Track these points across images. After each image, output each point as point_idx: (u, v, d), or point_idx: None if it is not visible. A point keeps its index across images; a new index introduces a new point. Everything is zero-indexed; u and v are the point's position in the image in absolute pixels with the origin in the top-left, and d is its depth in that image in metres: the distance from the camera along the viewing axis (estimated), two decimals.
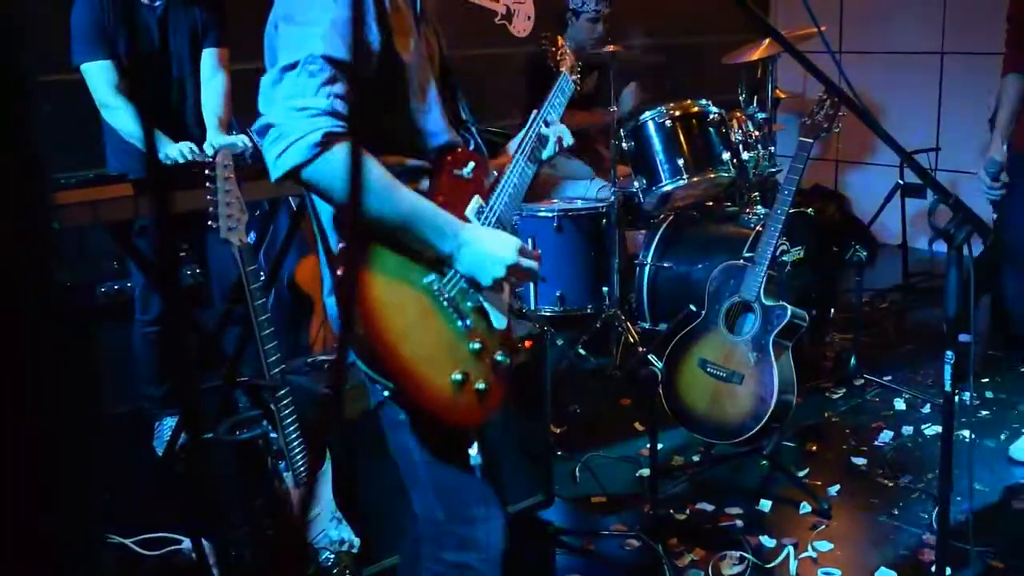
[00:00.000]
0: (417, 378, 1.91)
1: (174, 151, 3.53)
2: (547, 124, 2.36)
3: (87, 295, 4.13)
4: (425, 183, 2.06)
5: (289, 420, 2.73)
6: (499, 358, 2.04)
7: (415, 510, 2.20)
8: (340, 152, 1.80)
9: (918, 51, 7.02)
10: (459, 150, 2.12)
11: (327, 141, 1.78)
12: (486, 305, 2.05)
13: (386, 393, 1.94)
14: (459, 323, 1.98)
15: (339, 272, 1.99)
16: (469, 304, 2.02)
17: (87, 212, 3.20)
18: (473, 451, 2.12)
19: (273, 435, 2.77)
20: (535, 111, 2.39)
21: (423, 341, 1.94)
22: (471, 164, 2.12)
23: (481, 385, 1.98)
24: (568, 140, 2.42)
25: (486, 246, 1.99)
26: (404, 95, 2.02)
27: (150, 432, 4.11)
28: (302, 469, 2.77)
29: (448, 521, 2.14)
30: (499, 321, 2.07)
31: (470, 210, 2.09)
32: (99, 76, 3.65)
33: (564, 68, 2.63)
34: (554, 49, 2.64)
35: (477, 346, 1.99)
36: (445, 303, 1.97)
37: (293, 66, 1.83)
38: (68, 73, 3.71)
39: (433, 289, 1.96)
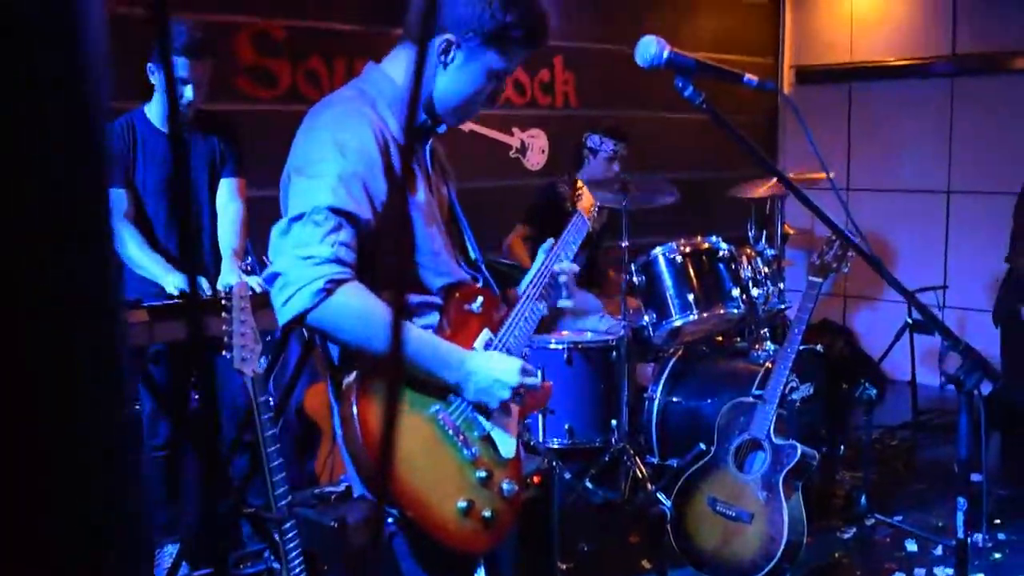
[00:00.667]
0: (423, 505, 1.94)
1: (171, 284, 3.56)
2: (555, 275, 2.38)
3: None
4: (434, 317, 2.10)
5: (294, 554, 2.70)
6: (506, 486, 2.05)
7: None
8: (343, 297, 1.86)
9: (925, 189, 7.11)
10: (468, 286, 2.16)
11: (331, 288, 1.85)
12: (493, 434, 2.07)
13: (390, 520, 1.95)
14: (465, 451, 2.00)
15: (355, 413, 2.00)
16: (475, 433, 2.05)
17: None
18: None
19: (276, 566, 2.75)
20: (548, 249, 2.43)
21: (429, 469, 1.96)
22: (480, 299, 2.16)
23: (487, 513, 1.99)
24: (575, 271, 2.44)
25: (490, 371, 2.02)
26: (411, 239, 2.07)
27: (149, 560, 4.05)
28: None
29: None
30: (507, 450, 2.09)
31: (479, 342, 2.13)
32: (118, 203, 3.71)
33: (580, 207, 2.67)
34: (573, 190, 2.68)
35: (483, 474, 2.01)
36: (451, 432, 2.00)
37: (300, 217, 1.91)
38: None
39: (439, 418, 1.99)
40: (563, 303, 2.43)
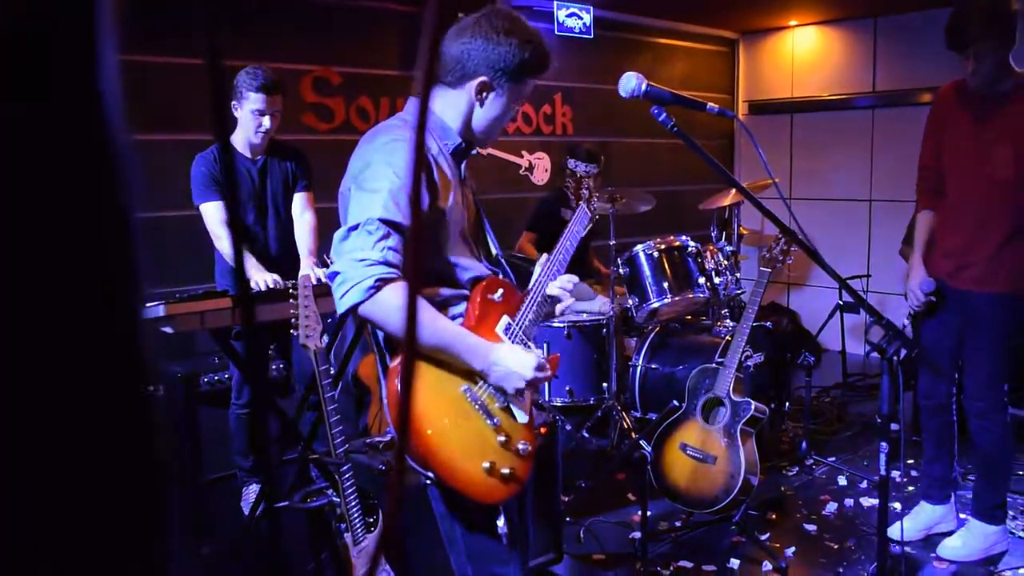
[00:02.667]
0: (454, 468, 1.91)
1: (260, 280, 3.56)
2: (549, 300, 2.30)
3: (194, 384, 4.11)
4: (460, 307, 2.07)
5: (350, 491, 2.69)
6: (521, 447, 2.02)
7: (452, 567, 2.16)
8: (389, 294, 1.84)
9: (852, 198, 7.06)
10: (490, 279, 2.13)
11: (379, 285, 1.83)
12: (511, 406, 2.03)
13: (428, 481, 1.94)
14: (488, 422, 1.97)
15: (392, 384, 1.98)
16: (497, 405, 2.01)
17: (196, 320, 3.21)
18: (500, 522, 2.08)
19: (336, 500, 2.73)
20: (544, 263, 2.37)
21: (459, 439, 1.93)
22: (500, 290, 2.12)
23: (506, 471, 1.96)
24: (570, 287, 2.34)
25: (511, 365, 1.98)
26: (444, 240, 2.05)
27: (239, 495, 4.06)
28: (360, 530, 2.71)
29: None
30: (522, 417, 2.06)
31: (500, 327, 2.09)
32: (213, 213, 3.71)
33: (583, 201, 2.63)
34: (578, 187, 2.64)
35: (503, 439, 1.98)
36: (477, 406, 1.97)
37: (356, 227, 1.89)
38: (187, 210, 3.77)
39: (467, 396, 1.96)
40: (561, 309, 2.36)
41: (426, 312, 1.90)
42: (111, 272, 0.49)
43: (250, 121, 3.70)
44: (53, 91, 0.45)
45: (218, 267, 3.88)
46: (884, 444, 2.33)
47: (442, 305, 2.04)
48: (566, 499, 4.02)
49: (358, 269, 1.84)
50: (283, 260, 3.84)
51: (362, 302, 1.83)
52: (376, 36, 5.14)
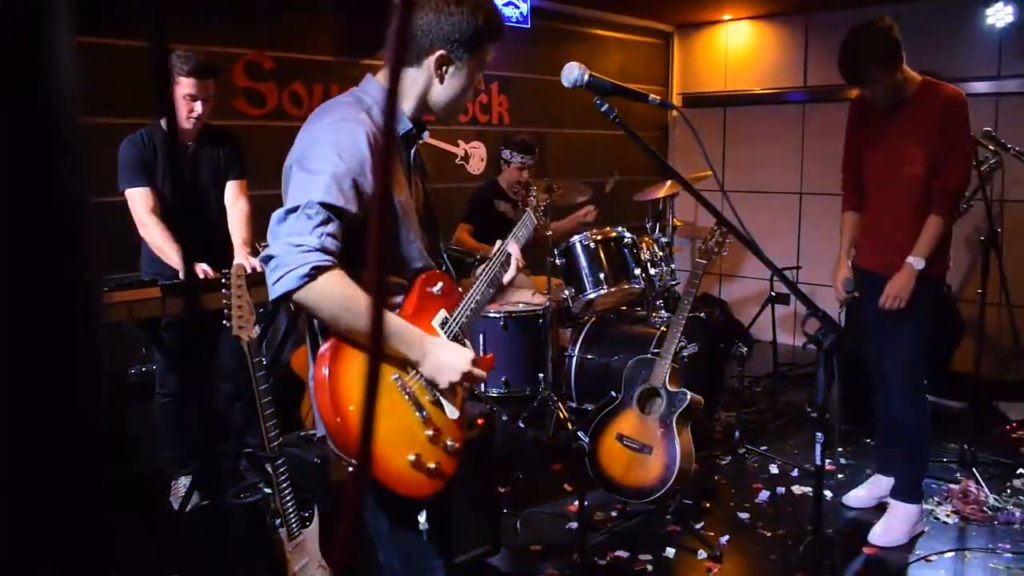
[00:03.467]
0: (379, 458, 1.85)
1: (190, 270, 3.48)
2: (509, 256, 2.32)
3: (121, 376, 4.00)
4: (399, 298, 2.03)
5: (285, 485, 2.63)
6: (449, 443, 1.99)
7: (380, 561, 2.13)
8: (324, 282, 1.79)
9: (783, 191, 7.18)
10: (431, 272, 2.09)
11: (314, 273, 1.77)
12: (442, 400, 2.00)
13: (351, 469, 1.88)
14: (417, 414, 1.94)
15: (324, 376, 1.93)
16: (427, 398, 1.98)
17: (123, 310, 3.12)
18: (422, 518, 2.05)
19: (270, 493, 2.67)
20: (500, 242, 2.36)
21: (387, 429, 1.89)
22: (440, 283, 2.09)
23: (432, 465, 1.93)
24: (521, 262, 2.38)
25: (445, 357, 1.96)
26: (396, 228, 1.99)
27: (166, 489, 3.95)
28: (295, 525, 2.66)
29: (403, 571, 2.09)
30: (452, 413, 2.03)
31: (436, 320, 2.06)
32: (139, 199, 3.60)
33: (530, 207, 2.61)
34: (526, 192, 2.62)
35: (431, 433, 1.95)
36: (407, 397, 1.93)
37: (295, 209, 1.83)
38: (109, 195, 3.65)
39: (398, 385, 1.92)
40: (510, 274, 2.37)
41: (360, 300, 1.83)
42: (64, 261, 0.46)
43: (181, 106, 3.60)
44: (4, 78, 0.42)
45: (144, 255, 3.76)
46: (820, 435, 2.36)
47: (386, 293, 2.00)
48: (503, 490, 4.01)
49: (294, 255, 1.77)
50: (213, 249, 3.73)
51: (296, 289, 1.77)
52: (310, 21, 5.04)
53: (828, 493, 4.06)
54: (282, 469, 2.62)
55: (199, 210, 3.78)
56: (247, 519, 2.79)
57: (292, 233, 1.80)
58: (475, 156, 6.14)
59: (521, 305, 4.80)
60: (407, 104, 2.05)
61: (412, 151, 2.11)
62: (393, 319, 1.92)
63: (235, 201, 3.84)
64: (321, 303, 1.80)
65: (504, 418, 4.56)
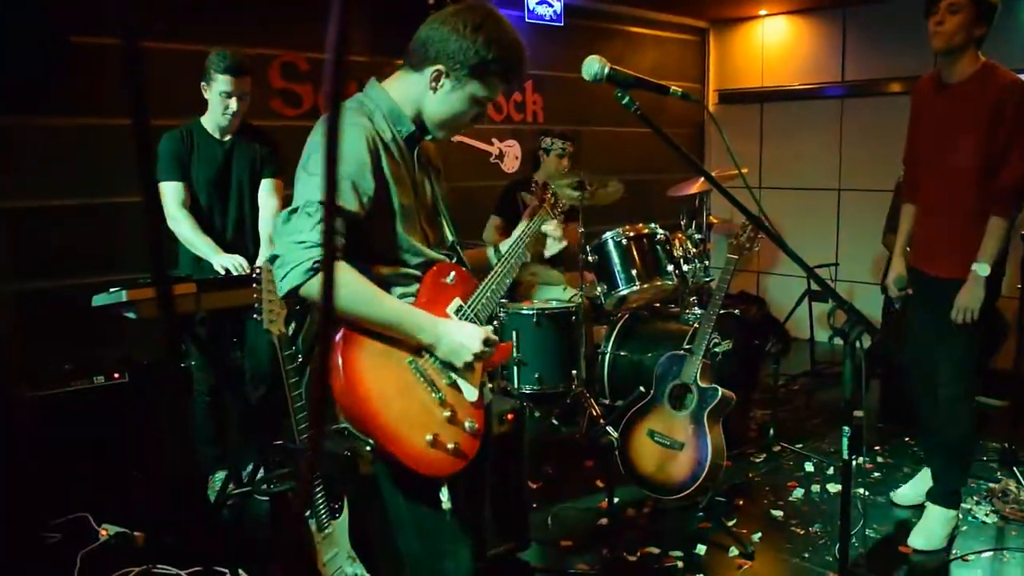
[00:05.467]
0: (395, 437, 1.90)
1: (226, 262, 3.55)
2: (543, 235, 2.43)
3: (159, 372, 4.06)
4: (413, 287, 2.08)
5: (314, 476, 2.66)
6: (467, 424, 2.03)
7: (399, 547, 2.15)
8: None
9: (821, 187, 7.10)
10: (442, 264, 2.13)
11: (318, 267, 1.83)
12: (459, 382, 2.04)
13: (368, 448, 1.93)
14: (434, 394, 1.99)
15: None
16: (444, 381, 2.03)
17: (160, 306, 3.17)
18: (444, 496, 2.06)
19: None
20: (516, 234, 2.41)
21: (402, 408, 1.93)
22: (453, 274, 2.14)
23: (451, 445, 1.97)
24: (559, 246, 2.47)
25: (458, 338, 2.00)
26: (391, 228, 2.04)
27: (205, 482, 4.03)
28: (324, 516, 2.69)
29: (424, 555, 2.11)
30: (471, 394, 2.07)
31: (450, 308, 2.11)
32: (171, 193, 3.68)
33: (547, 207, 2.63)
34: (543, 192, 2.63)
35: (448, 414, 2.00)
36: (423, 379, 1.98)
37: (296, 210, 1.90)
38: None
39: (412, 368, 1.97)
40: (552, 251, 2.46)
41: (368, 290, 1.92)
42: None
43: (218, 103, 3.70)
44: None
45: (181, 250, 3.84)
46: (847, 428, 2.34)
47: (394, 284, 2.05)
48: (534, 486, 4.02)
49: (297, 251, 1.85)
50: (241, 245, 3.81)
51: (302, 284, 1.84)
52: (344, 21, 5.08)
53: (863, 491, 4.01)
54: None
55: (228, 203, 3.85)
56: (276, 509, 2.83)
57: (295, 232, 1.87)
58: (509, 155, 6.16)
59: (554, 302, 4.80)
60: (409, 108, 2.09)
61: (415, 151, 2.14)
62: (400, 307, 1.98)
63: (267, 199, 3.90)
64: None
65: (537, 414, 4.57)
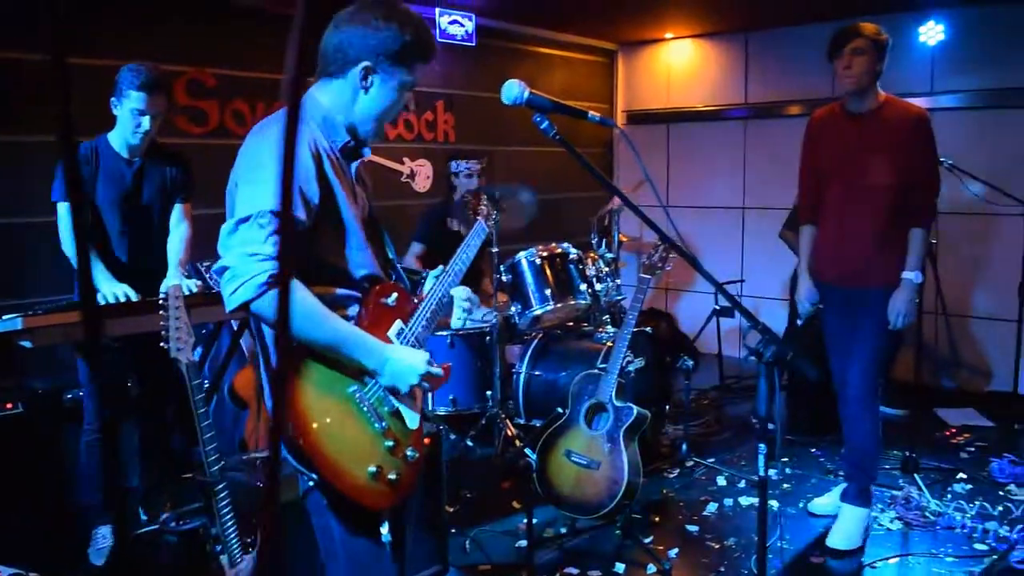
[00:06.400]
0: (339, 470, 1.85)
1: (108, 292, 3.35)
2: (450, 298, 2.31)
3: (57, 401, 3.87)
4: (354, 309, 2.02)
5: (225, 510, 2.57)
6: (409, 453, 1.99)
7: None
8: None
9: (726, 206, 7.27)
10: (384, 284, 2.08)
11: (272, 281, 1.76)
12: (401, 409, 2.00)
13: (311, 482, 1.86)
14: (376, 424, 1.94)
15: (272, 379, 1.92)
16: (386, 409, 1.98)
17: (58, 333, 3.03)
18: (384, 530, 2.02)
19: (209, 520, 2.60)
20: (437, 275, 2.36)
21: (345, 440, 1.88)
22: (394, 294, 2.09)
23: (393, 476, 1.92)
24: (475, 301, 2.42)
25: (404, 361, 1.96)
26: (340, 238, 1.99)
27: (85, 538, 3.62)
28: (236, 551, 2.59)
29: None
30: (412, 422, 2.03)
31: (392, 331, 2.06)
32: (68, 215, 3.47)
33: (481, 217, 2.61)
34: (475, 201, 2.61)
35: (391, 443, 1.95)
36: (365, 408, 1.93)
37: (246, 219, 1.82)
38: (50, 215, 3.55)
39: (356, 397, 1.92)
40: (458, 319, 2.37)
41: (319, 310, 1.85)
42: None
43: (129, 120, 3.48)
44: None
45: (76, 276, 3.65)
46: (762, 445, 2.37)
47: (335, 305, 1.99)
48: (451, 509, 3.97)
49: (249, 264, 1.77)
50: (151, 270, 3.63)
51: (254, 299, 1.77)
52: (252, 37, 4.98)
53: (774, 503, 4.09)
54: (222, 494, 2.55)
55: (138, 228, 3.67)
56: (185, 546, 2.71)
57: (246, 243, 1.79)
58: (421, 174, 6.12)
59: (467, 323, 4.77)
60: (343, 117, 2.05)
61: (354, 165, 2.11)
62: (349, 329, 1.92)
63: (179, 223, 3.73)
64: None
65: (452, 436, 4.52)
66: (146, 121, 3.49)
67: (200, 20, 4.77)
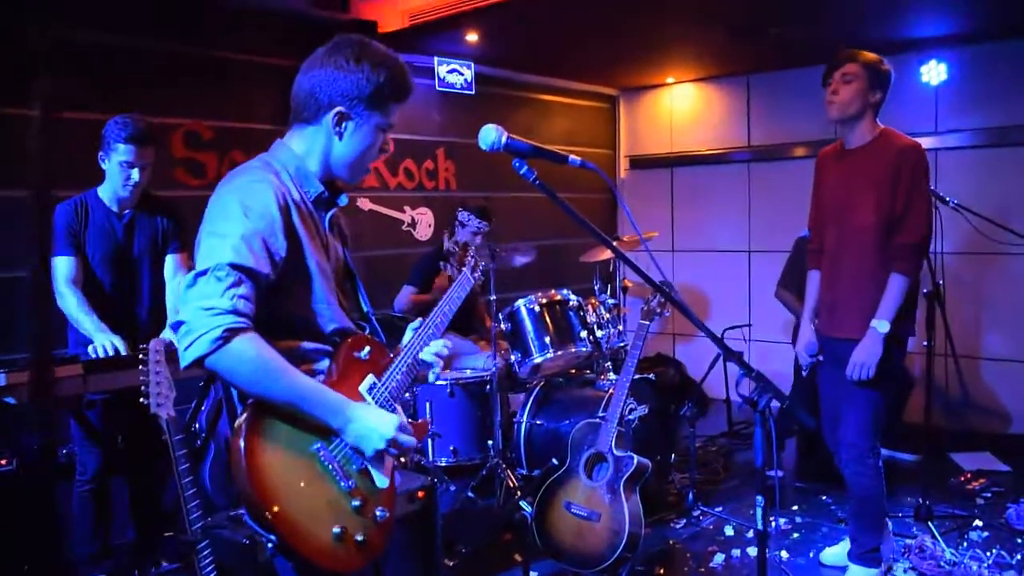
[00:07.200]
0: (300, 532, 1.76)
1: (99, 344, 3.32)
2: (420, 363, 2.20)
3: (50, 455, 3.82)
4: (324, 363, 1.96)
5: (208, 570, 2.49)
6: (378, 513, 1.90)
7: None
8: (239, 345, 1.72)
9: (731, 249, 7.22)
10: (357, 336, 2.02)
11: (227, 336, 1.71)
12: (370, 468, 1.92)
13: (270, 545, 1.78)
14: (342, 483, 1.85)
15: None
16: (354, 467, 1.90)
17: None
18: None
19: None
20: (416, 328, 2.27)
21: (307, 499, 1.79)
22: (367, 348, 2.02)
23: (360, 537, 1.84)
24: (445, 353, 2.25)
25: (370, 423, 1.87)
26: (307, 291, 1.93)
27: None
28: None
29: None
30: (381, 481, 1.94)
31: (363, 386, 1.98)
32: (61, 268, 3.46)
33: (467, 269, 2.56)
34: (463, 253, 2.57)
35: (358, 503, 1.86)
36: (330, 467, 1.84)
37: (204, 272, 1.77)
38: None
39: (319, 455, 1.84)
40: (433, 377, 2.28)
41: (277, 364, 1.78)
42: None
43: (118, 174, 3.49)
44: None
45: (70, 329, 3.61)
46: (759, 497, 2.29)
47: (302, 359, 1.93)
48: (450, 563, 3.87)
49: (204, 318, 1.71)
50: (142, 324, 3.60)
51: (208, 354, 1.71)
52: (248, 89, 5.01)
53: (784, 554, 3.98)
54: (204, 552, 2.48)
55: (129, 281, 3.64)
56: None
57: (202, 297, 1.74)
58: (422, 222, 6.11)
59: (468, 372, 4.71)
60: (313, 164, 2.01)
61: (329, 215, 2.06)
62: (310, 385, 1.84)
63: (174, 275, 3.71)
64: (236, 367, 1.73)
65: (452, 488, 4.44)
66: (135, 173, 3.49)
67: (196, 72, 4.80)
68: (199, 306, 1.73)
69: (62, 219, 3.50)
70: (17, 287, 3.95)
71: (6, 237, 3.86)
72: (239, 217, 1.80)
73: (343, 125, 1.98)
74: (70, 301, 3.42)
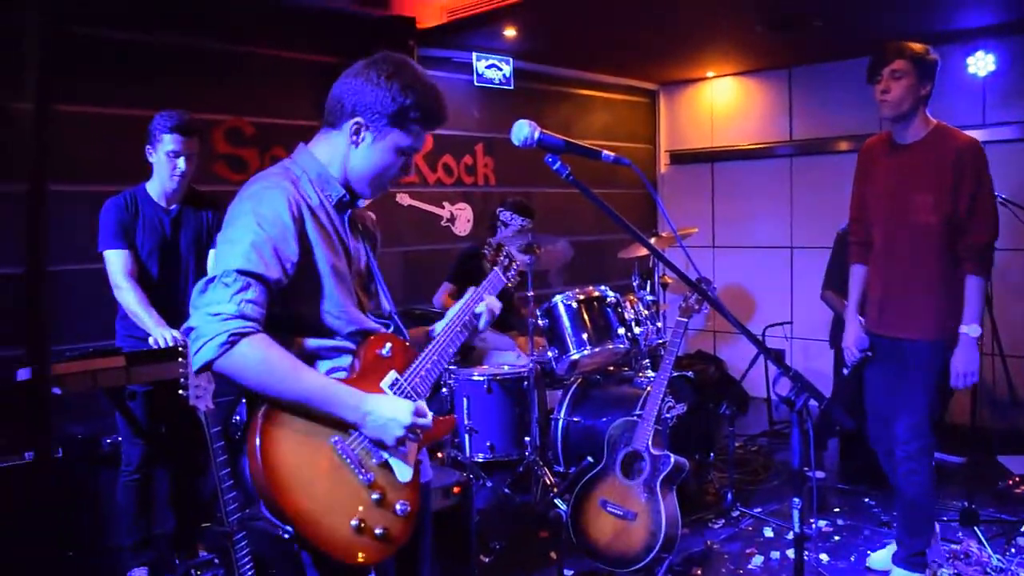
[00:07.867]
0: (317, 523, 1.79)
1: (159, 336, 3.39)
2: (476, 315, 2.31)
3: (95, 446, 3.89)
4: (346, 359, 1.99)
5: (244, 560, 2.53)
6: (399, 507, 1.92)
7: None
8: (245, 348, 1.76)
9: (773, 245, 7.14)
10: (379, 334, 2.04)
11: (234, 340, 1.75)
12: (391, 462, 1.95)
13: (286, 536, 1.81)
14: (361, 476, 1.88)
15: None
16: (373, 460, 1.93)
17: (87, 380, 3.06)
18: None
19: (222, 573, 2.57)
20: (464, 297, 2.34)
21: (325, 492, 1.83)
22: (389, 345, 2.05)
23: (379, 530, 1.87)
24: (497, 310, 2.38)
25: (384, 413, 1.90)
26: (322, 294, 1.96)
27: None
28: None
29: None
30: (404, 475, 1.96)
31: (385, 382, 2.02)
32: (116, 261, 3.54)
33: (498, 268, 2.58)
34: (496, 253, 2.58)
35: (377, 496, 1.89)
36: (349, 460, 1.88)
37: (213, 279, 1.82)
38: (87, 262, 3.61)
39: (337, 448, 1.87)
40: (483, 325, 2.34)
41: (286, 363, 1.81)
42: None
43: (165, 164, 3.58)
44: None
45: (119, 321, 3.68)
46: (796, 500, 2.26)
47: (310, 357, 1.96)
48: (486, 559, 3.88)
49: (212, 323, 1.75)
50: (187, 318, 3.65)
51: (215, 358, 1.75)
52: (289, 85, 5.06)
53: (824, 557, 3.93)
54: (241, 543, 2.51)
55: (176, 275, 3.71)
56: None
57: (211, 303, 1.78)
58: (461, 218, 6.12)
59: (506, 368, 4.71)
60: (337, 170, 2.03)
61: (346, 217, 2.07)
62: (321, 383, 1.88)
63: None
64: (243, 370, 1.77)
65: (489, 484, 4.44)
66: (181, 163, 3.58)
67: (237, 68, 4.86)
68: (207, 312, 1.77)
69: (113, 213, 3.58)
70: (56, 281, 4.02)
71: (56, 232, 3.93)
72: (250, 224, 1.85)
73: (360, 135, 2.00)
74: (129, 296, 3.50)
